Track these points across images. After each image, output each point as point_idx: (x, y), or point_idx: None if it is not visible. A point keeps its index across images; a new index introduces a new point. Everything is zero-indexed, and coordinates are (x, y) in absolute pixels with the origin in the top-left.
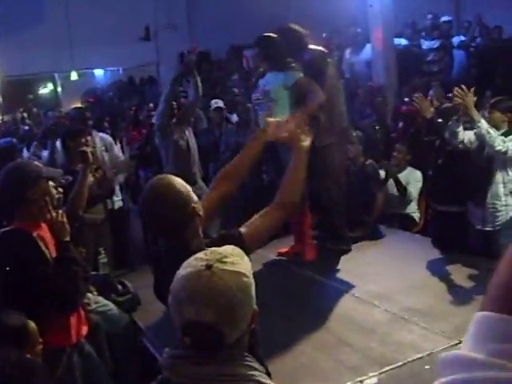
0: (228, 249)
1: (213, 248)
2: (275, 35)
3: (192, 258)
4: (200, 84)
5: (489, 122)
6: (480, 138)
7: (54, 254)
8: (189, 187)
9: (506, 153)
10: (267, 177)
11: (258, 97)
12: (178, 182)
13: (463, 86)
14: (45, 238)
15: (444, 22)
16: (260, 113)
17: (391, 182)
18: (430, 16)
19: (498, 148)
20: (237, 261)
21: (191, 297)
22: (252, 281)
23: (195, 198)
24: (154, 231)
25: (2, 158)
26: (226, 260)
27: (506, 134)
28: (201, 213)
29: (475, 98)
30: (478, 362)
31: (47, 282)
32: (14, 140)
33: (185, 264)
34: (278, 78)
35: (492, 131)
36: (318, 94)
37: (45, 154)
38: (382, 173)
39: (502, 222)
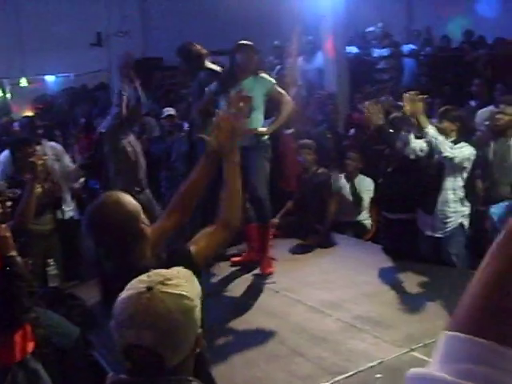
0: (174, 271)
1: (158, 270)
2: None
3: (135, 279)
4: (139, 86)
5: (438, 131)
6: (429, 144)
7: None
8: (138, 207)
9: (452, 159)
10: None
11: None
12: (127, 200)
13: (412, 92)
14: None
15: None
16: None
17: (345, 188)
18: (380, 24)
19: (446, 154)
20: (180, 283)
21: (130, 319)
22: (196, 303)
23: (144, 219)
24: (99, 250)
25: None
26: (168, 282)
27: (454, 142)
28: (148, 235)
29: (422, 105)
30: (446, 382)
31: None
32: None
33: (128, 286)
34: (255, 86)
35: (440, 137)
36: (289, 105)
37: None
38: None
39: (452, 228)
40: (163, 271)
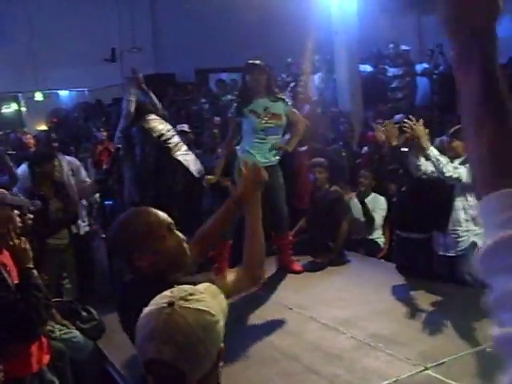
0: (200, 286)
1: (182, 286)
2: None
3: (159, 295)
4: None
5: (450, 151)
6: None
7: (16, 281)
8: (166, 219)
9: (458, 179)
10: None
11: (264, 120)
12: (153, 212)
13: (411, 117)
14: (7, 266)
15: (403, 50)
16: (266, 138)
17: (357, 207)
18: (391, 45)
19: (448, 174)
20: (203, 298)
21: (151, 334)
22: (218, 319)
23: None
24: (124, 264)
25: None
26: (190, 298)
27: (464, 162)
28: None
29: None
30: None
31: (8, 309)
32: None
33: (151, 301)
34: (278, 105)
35: (442, 158)
36: (304, 124)
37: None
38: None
39: (464, 247)
40: (187, 287)
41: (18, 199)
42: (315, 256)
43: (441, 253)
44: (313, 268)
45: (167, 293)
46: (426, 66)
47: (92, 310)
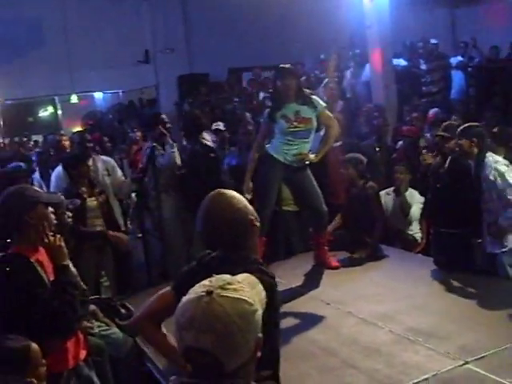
0: (238, 276)
1: (221, 275)
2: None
3: (197, 284)
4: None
5: (458, 149)
6: None
7: (52, 278)
8: (245, 201)
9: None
10: None
11: (294, 124)
12: (236, 196)
13: None
14: (43, 263)
15: (432, 44)
16: (294, 141)
17: (394, 202)
18: (420, 43)
19: None
20: (241, 288)
21: (189, 322)
22: (257, 308)
23: (252, 210)
24: (213, 244)
25: (10, 183)
26: (228, 287)
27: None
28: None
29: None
30: None
31: (44, 305)
32: (22, 164)
33: (190, 290)
34: (308, 109)
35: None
36: (336, 129)
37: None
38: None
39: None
40: (225, 276)
41: (53, 196)
42: (352, 252)
43: (488, 250)
44: (350, 264)
45: (206, 282)
46: (460, 59)
47: (131, 307)
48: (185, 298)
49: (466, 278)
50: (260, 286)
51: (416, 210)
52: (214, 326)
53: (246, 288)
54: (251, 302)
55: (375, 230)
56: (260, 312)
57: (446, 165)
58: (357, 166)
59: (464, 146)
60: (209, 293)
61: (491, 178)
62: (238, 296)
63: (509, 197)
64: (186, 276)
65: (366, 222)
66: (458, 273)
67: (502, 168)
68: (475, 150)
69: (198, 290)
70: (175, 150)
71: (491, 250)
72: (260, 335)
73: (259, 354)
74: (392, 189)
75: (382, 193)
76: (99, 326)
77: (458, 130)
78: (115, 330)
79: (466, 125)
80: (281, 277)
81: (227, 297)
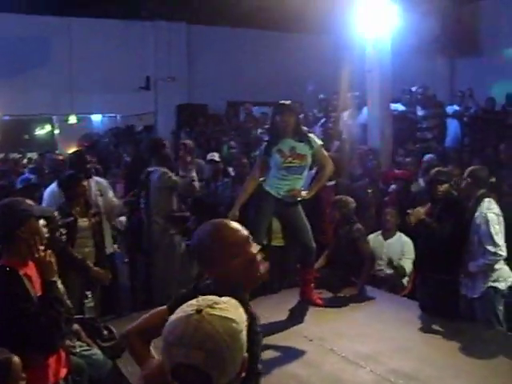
0: (223, 298)
1: (206, 296)
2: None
3: (185, 304)
4: None
5: (462, 191)
6: None
7: (39, 293)
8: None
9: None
10: None
11: (288, 159)
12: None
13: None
14: (31, 277)
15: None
16: (288, 176)
17: (382, 245)
18: (420, 90)
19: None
20: (227, 308)
21: (180, 339)
22: (242, 328)
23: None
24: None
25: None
26: (216, 306)
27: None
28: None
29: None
30: None
31: (29, 320)
32: (32, 177)
33: (177, 310)
34: (304, 146)
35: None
36: (330, 167)
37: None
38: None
39: (484, 289)
40: (211, 297)
41: (46, 210)
42: (338, 290)
43: (464, 293)
44: (335, 302)
45: (193, 301)
46: (456, 108)
47: (113, 328)
48: (173, 316)
49: (450, 323)
50: (241, 309)
51: (408, 262)
52: (204, 342)
53: (231, 308)
54: (238, 321)
55: (362, 270)
56: (245, 333)
57: (437, 212)
58: (342, 209)
59: (468, 188)
60: (198, 311)
61: (477, 222)
62: (226, 315)
63: (486, 246)
64: (183, 298)
65: (352, 262)
66: (443, 318)
67: (490, 216)
68: (477, 193)
69: (186, 308)
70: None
71: (467, 294)
72: (246, 355)
73: (243, 374)
74: (380, 231)
75: (371, 236)
76: (81, 346)
77: (467, 171)
78: (96, 351)
79: (472, 168)
80: (264, 310)
81: (216, 315)
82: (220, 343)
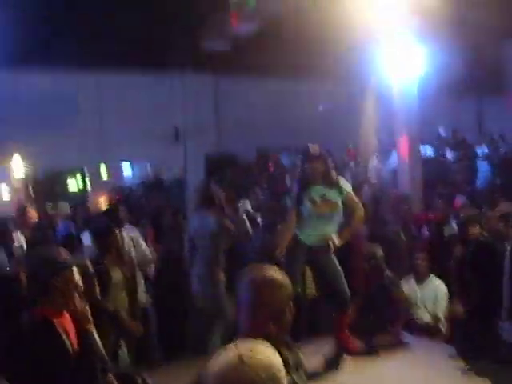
0: (259, 343)
1: (244, 341)
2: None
3: (223, 351)
4: None
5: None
6: None
7: (74, 343)
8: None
9: None
10: None
11: (320, 207)
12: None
13: None
14: (66, 327)
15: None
16: (319, 224)
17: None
18: (450, 132)
19: None
20: (267, 353)
21: None
22: (283, 374)
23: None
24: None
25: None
26: (256, 351)
27: None
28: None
29: None
30: None
31: (65, 372)
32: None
33: (216, 357)
34: (334, 192)
35: None
36: (361, 213)
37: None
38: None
39: None
40: (248, 343)
41: (81, 261)
42: (373, 338)
43: (506, 338)
44: (372, 349)
45: (232, 347)
46: (485, 150)
47: (148, 379)
48: (215, 363)
49: (491, 369)
50: (277, 355)
51: (441, 306)
52: None
53: (270, 353)
54: (278, 367)
55: (397, 318)
56: (285, 378)
57: (470, 254)
58: (371, 261)
59: (503, 230)
60: (240, 357)
61: None
62: (268, 361)
63: None
64: None
65: (386, 309)
66: (482, 363)
67: None
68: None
69: (228, 355)
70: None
71: (508, 338)
72: None
73: None
74: (412, 276)
75: (403, 281)
76: None
77: (498, 211)
78: None
79: (507, 210)
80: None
81: (259, 363)
82: None
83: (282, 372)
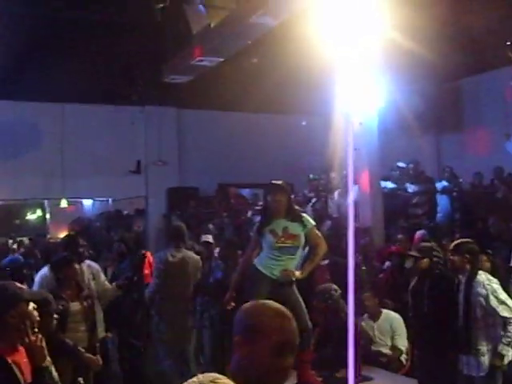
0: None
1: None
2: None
3: (186, 382)
4: None
5: (451, 266)
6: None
7: (28, 380)
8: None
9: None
10: None
11: (281, 240)
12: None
13: None
14: (20, 364)
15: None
16: (281, 256)
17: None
18: (411, 165)
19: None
20: (229, 382)
21: None
22: None
23: None
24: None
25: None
26: (218, 381)
27: (469, 276)
28: None
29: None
30: None
31: None
32: (20, 257)
33: None
34: (297, 226)
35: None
36: (323, 248)
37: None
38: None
39: (486, 367)
40: (209, 374)
41: (37, 294)
42: (334, 372)
43: (465, 372)
44: (333, 383)
45: (194, 379)
46: (445, 183)
47: None
48: None
49: None
50: None
51: (402, 340)
52: None
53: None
54: None
55: (357, 352)
56: None
57: (426, 288)
58: (328, 302)
59: (457, 262)
60: None
61: (483, 293)
62: None
63: (503, 314)
64: None
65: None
66: None
67: (494, 285)
68: (467, 267)
69: None
70: None
71: (470, 373)
72: None
73: None
74: (366, 315)
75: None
76: None
77: (452, 245)
78: None
79: (459, 241)
80: None
81: None
82: None
83: None
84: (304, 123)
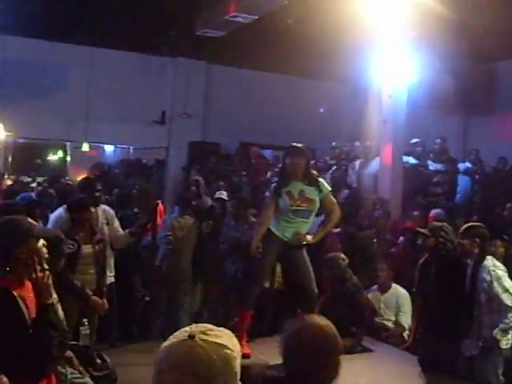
0: (217, 328)
1: (199, 324)
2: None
3: (178, 331)
4: None
5: (460, 249)
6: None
7: (33, 315)
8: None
9: None
10: None
11: (297, 203)
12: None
13: None
14: (26, 298)
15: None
16: (295, 219)
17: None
18: (438, 140)
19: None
20: (221, 335)
21: (172, 365)
22: (236, 355)
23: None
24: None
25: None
26: (209, 332)
27: (476, 262)
28: None
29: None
30: None
31: (19, 343)
32: (32, 195)
33: (170, 336)
34: (313, 190)
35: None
36: (338, 214)
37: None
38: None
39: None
40: (204, 324)
41: (48, 231)
42: None
43: (467, 355)
44: None
45: (186, 328)
46: (468, 165)
47: (107, 358)
48: (166, 343)
49: (448, 381)
50: (235, 339)
51: (406, 316)
52: (196, 368)
53: (225, 336)
54: (232, 348)
55: (362, 322)
56: (239, 361)
57: (433, 269)
58: (334, 270)
59: (466, 245)
60: (191, 337)
61: (487, 279)
62: (220, 341)
63: (505, 301)
64: None
65: (351, 315)
66: (440, 375)
67: (500, 272)
68: (476, 251)
69: (179, 335)
70: None
71: (468, 354)
72: (240, 383)
73: None
74: (375, 286)
75: (367, 290)
76: (72, 373)
77: (462, 229)
78: (88, 380)
79: (469, 224)
80: (263, 353)
81: (209, 341)
82: (213, 369)
83: (236, 353)
84: (322, 110)
